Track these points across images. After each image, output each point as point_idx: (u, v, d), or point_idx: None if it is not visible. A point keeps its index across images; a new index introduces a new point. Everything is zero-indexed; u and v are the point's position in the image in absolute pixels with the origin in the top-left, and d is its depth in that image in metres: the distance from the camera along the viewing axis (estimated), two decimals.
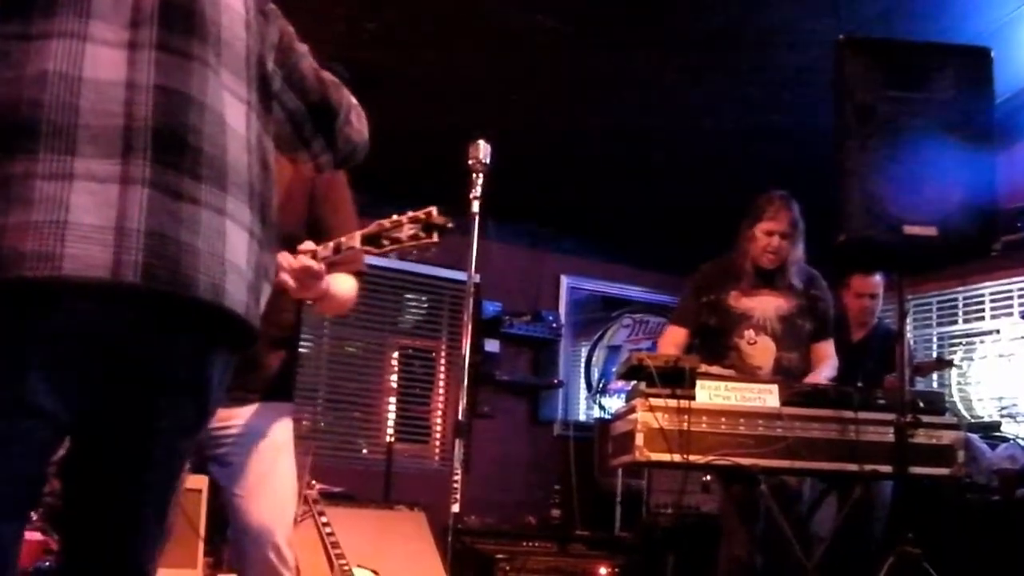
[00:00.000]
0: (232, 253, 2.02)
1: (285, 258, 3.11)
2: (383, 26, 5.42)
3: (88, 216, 1.86)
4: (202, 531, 4.19)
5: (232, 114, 2.09)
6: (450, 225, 3.01)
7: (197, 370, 2.05)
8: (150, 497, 2.05)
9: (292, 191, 3.49)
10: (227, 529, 3.62)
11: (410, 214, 2.97)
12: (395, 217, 2.99)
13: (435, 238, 2.94)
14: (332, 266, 3.36)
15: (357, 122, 2.48)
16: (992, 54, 4.54)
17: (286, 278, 3.14)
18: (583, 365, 9.50)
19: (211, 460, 3.43)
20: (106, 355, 1.93)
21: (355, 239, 3.05)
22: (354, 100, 2.48)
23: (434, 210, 2.96)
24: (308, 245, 3.17)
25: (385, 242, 2.97)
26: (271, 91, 2.27)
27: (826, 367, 5.42)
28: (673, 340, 5.48)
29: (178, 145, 1.96)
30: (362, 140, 2.51)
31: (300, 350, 3.84)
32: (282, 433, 3.48)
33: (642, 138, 7.40)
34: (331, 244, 3.14)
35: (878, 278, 6.56)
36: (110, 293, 1.88)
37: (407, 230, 2.93)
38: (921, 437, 4.59)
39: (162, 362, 1.99)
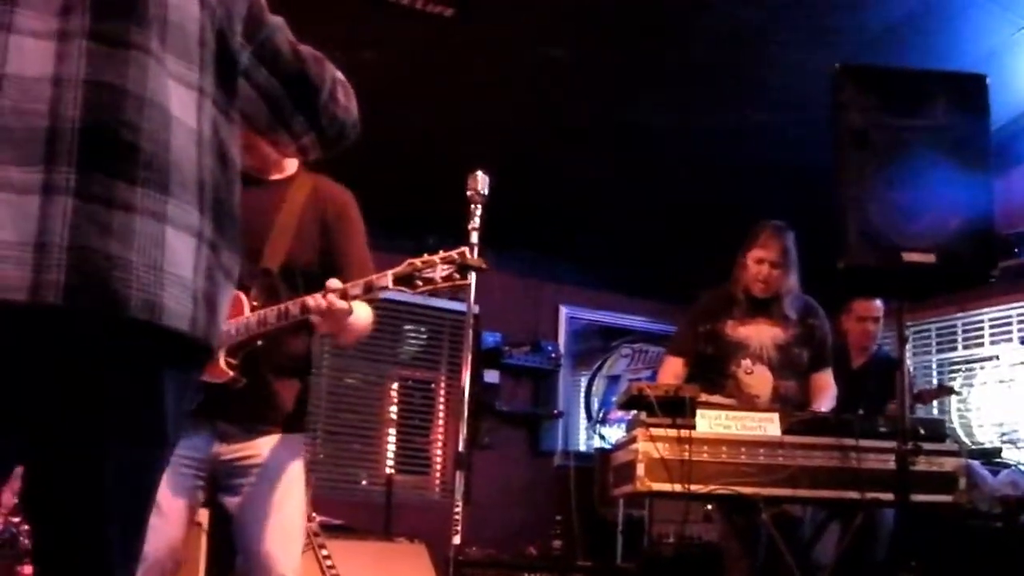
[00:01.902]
0: (173, 263, 1.84)
1: (315, 300, 3.13)
2: (381, 55, 5.43)
3: (4, 231, 1.70)
4: (203, 564, 4.19)
5: (179, 105, 1.90)
6: (484, 266, 3.01)
7: (144, 387, 1.87)
8: (112, 516, 1.87)
9: (304, 221, 3.50)
10: (234, 559, 3.62)
11: (443, 254, 2.96)
12: (427, 257, 2.99)
13: (470, 279, 2.94)
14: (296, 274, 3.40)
15: (344, 99, 2.28)
16: (988, 80, 4.54)
17: (315, 319, 3.16)
18: (583, 395, 9.50)
19: (223, 489, 3.45)
20: (36, 379, 1.78)
21: (386, 279, 3.04)
22: (340, 75, 2.29)
23: (467, 250, 2.96)
24: (335, 283, 3.17)
25: (419, 282, 2.97)
26: (237, 69, 2.09)
27: (826, 398, 5.42)
28: (672, 370, 5.48)
29: (110, 146, 1.79)
30: (350, 118, 2.31)
31: None
32: (294, 466, 3.49)
33: (641, 169, 7.42)
34: (361, 283, 3.13)
35: (879, 302, 6.57)
36: (29, 316, 1.72)
37: (441, 271, 2.93)
38: (922, 464, 4.57)
39: (100, 383, 1.81)
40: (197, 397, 2.11)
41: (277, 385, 3.48)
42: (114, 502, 1.87)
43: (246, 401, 3.38)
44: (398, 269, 3.02)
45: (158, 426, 1.91)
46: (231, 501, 3.43)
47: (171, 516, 3.30)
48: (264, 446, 3.43)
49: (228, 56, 2.05)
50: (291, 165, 3.62)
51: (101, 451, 1.84)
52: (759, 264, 5.35)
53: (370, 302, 3.41)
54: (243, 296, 3.34)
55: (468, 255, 2.93)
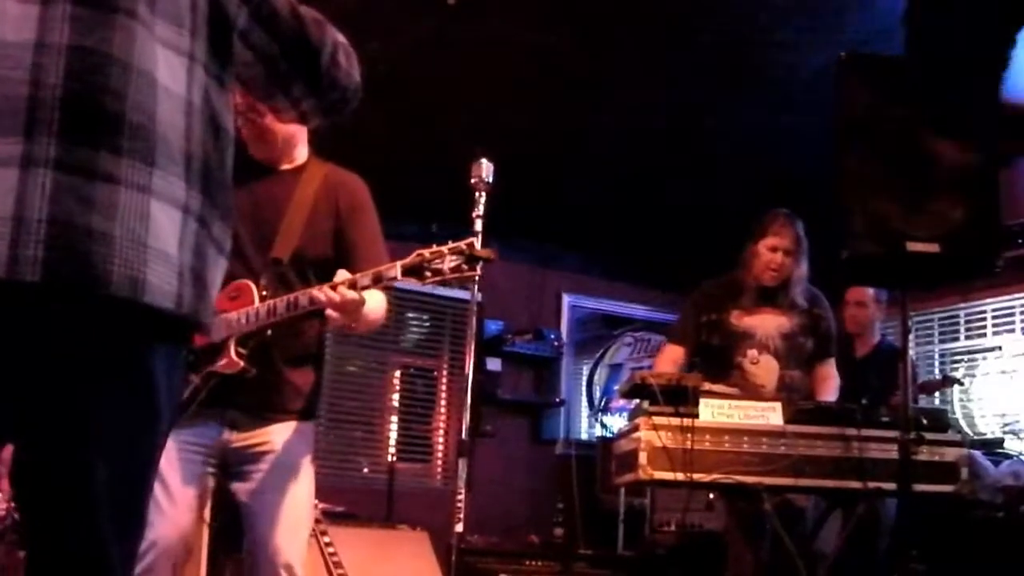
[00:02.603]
0: (157, 238, 1.77)
1: (325, 292, 3.13)
2: (386, 44, 5.42)
3: None
4: (204, 554, 4.20)
5: (167, 72, 1.83)
6: (492, 256, 3.01)
7: (130, 365, 1.81)
8: (103, 498, 1.78)
9: (316, 211, 3.50)
10: (236, 550, 3.64)
11: (451, 245, 2.96)
12: (436, 247, 2.98)
13: (478, 270, 2.94)
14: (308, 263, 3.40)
15: (345, 63, 2.19)
16: None
17: (329, 312, 3.16)
18: (585, 383, 9.50)
19: (234, 476, 3.47)
20: (16, 357, 1.72)
21: (395, 269, 3.04)
22: (342, 38, 2.20)
23: (475, 241, 2.95)
24: (345, 275, 3.18)
25: (428, 273, 2.96)
26: (232, 33, 2.01)
27: (828, 389, 5.42)
28: (671, 358, 5.48)
29: (94, 115, 1.72)
30: (352, 83, 2.21)
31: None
32: (305, 454, 3.51)
33: (645, 158, 7.41)
34: (370, 273, 3.13)
35: (870, 289, 6.59)
36: (7, 293, 1.67)
37: (449, 261, 2.92)
38: (924, 454, 4.57)
39: (82, 361, 1.75)
40: (205, 382, 2.07)
41: (290, 374, 3.49)
42: (105, 483, 1.80)
43: (257, 390, 3.39)
44: (407, 260, 3.02)
45: (149, 403, 1.85)
46: (241, 488, 3.44)
47: (181, 502, 3.32)
48: (275, 434, 3.45)
49: (222, 19, 1.98)
50: (302, 154, 3.63)
51: (88, 431, 1.77)
52: (773, 252, 5.34)
53: (384, 290, 3.42)
54: (253, 285, 3.34)
55: (476, 246, 2.92)
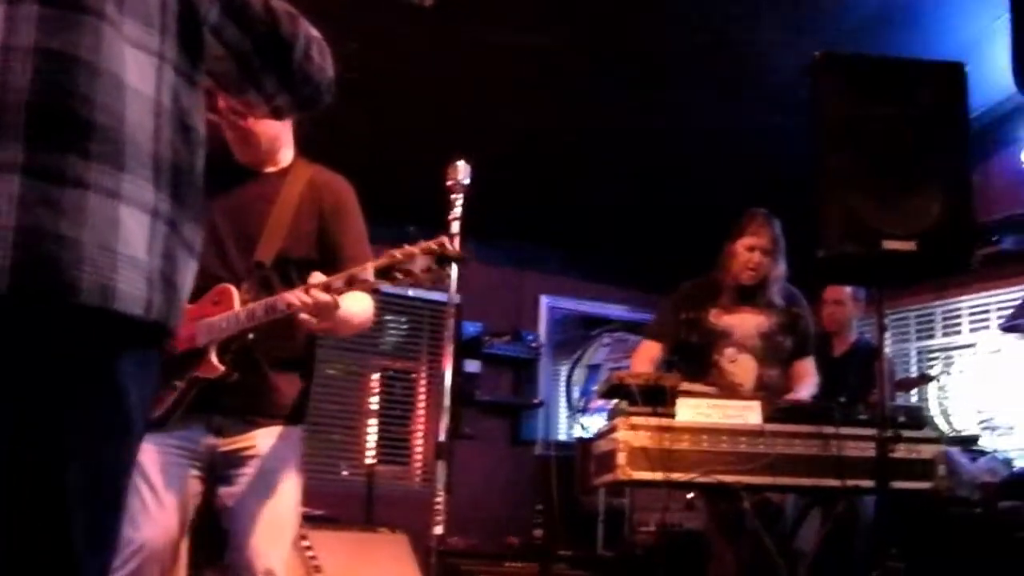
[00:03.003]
0: (127, 243, 1.71)
1: (298, 295, 3.11)
2: (363, 46, 5.42)
3: None
4: (184, 559, 4.19)
5: (135, 73, 1.77)
6: (464, 257, 3.00)
7: (99, 374, 1.74)
8: (75, 507, 1.71)
9: (300, 213, 3.49)
10: (219, 554, 3.62)
11: (423, 245, 2.93)
12: (407, 248, 2.96)
13: (450, 270, 2.92)
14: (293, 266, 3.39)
15: (319, 57, 2.14)
16: (966, 69, 4.56)
17: (303, 316, 3.14)
18: (563, 384, 9.50)
19: (220, 480, 3.45)
20: None
21: (368, 271, 3.01)
22: (315, 32, 2.15)
23: (447, 241, 2.93)
24: (318, 277, 3.15)
25: (398, 275, 2.93)
26: (203, 30, 1.95)
27: (807, 385, 5.43)
28: (648, 355, 5.49)
29: (62, 119, 1.67)
30: (325, 79, 2.17)
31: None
32: (290, 459, 3.50)
33: (622, 155, 7.42)
34: (344, 275, 3.10)
35: (847, 288, 6.61)
36: None
37: (420, 262, 2.90)
38: (902, 452, 4.59)
39: (50, 371, 1.69)
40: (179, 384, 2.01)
41: (276, 378, 3.48)
42: (77, 492, 1.73)
43: (242, 394, 3.38)
44: (379, 261, 3.00)
45: (118, 409, 1.78)
46: (226, 492, 3.43)
47: (168, 506, 3.31)
48: (261, 438, 3.44)
49: (192, 16, 1.93)
50: (287, 157, 3.61)
51: (58, 440, 1.71)
52: (751, 252, 5.35)
53: (371, 292, 3.41)
54: (234, 289, 3.33)
55: (448, 246, 2.91)
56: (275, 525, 3.41)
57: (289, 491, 3.48)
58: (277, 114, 2.26)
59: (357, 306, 3.37)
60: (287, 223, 3.46)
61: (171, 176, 1.82)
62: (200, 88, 1.95)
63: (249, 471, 3.41)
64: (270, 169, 3.57)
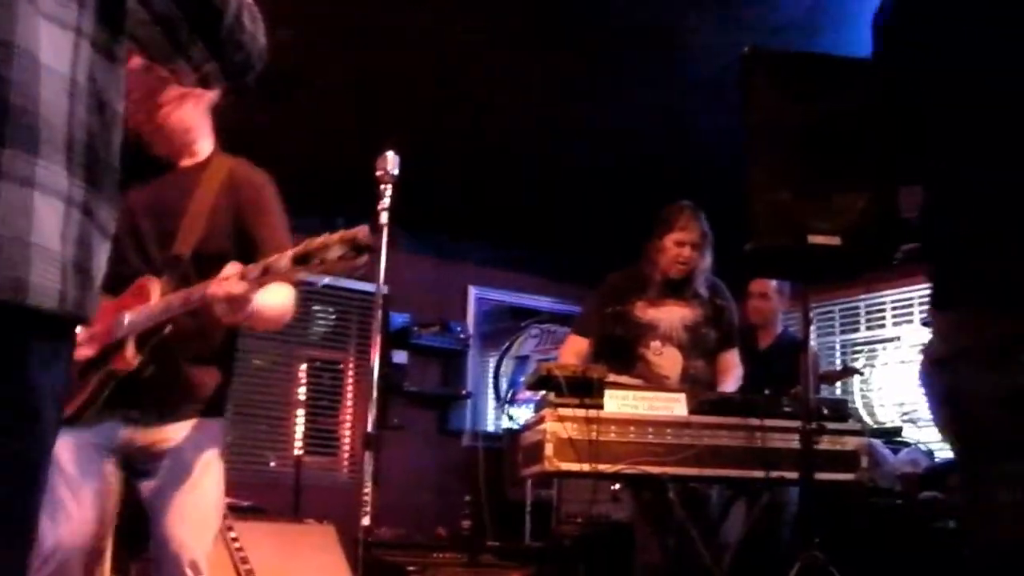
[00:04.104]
0: (40, 233, 1.61)
1: (211, 286, 3.08)
2: (295, 34, 5.39)
3: None
4: (108, 553, 4.15)
5: (51, 50, 1.66)
6: (373, 246, 2.97)
7: (6, 367, 1.63)
8: None
9: (217, 207, 3.46)
10: (143, 547, 3.60)
11: (341, 234, 2.91)
12: (326, 235, 2.94)
13: (364, 259, 2.91)
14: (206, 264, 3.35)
15: (251, 24, 2.02)
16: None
17: (218, 308, 3.11)
18: (491, 375, 9.51)
19: (138, 475, 3.42)
20: None
21: (285, 259, 2.98)
22: None
23: (364, 230, 2.91)
24: (232, 268, 3.10)
25: (315, 261, 2.91)
26: None
27: (731, 378, 5.48)
28: (575, 349, 5.51)
29: None
30: (257, 47, 2.05)
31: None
32: (210, 451, 3.46)
33: (549, 148, 7.43)
34: (260, 265, 3.07)
35: (772, 281, 6.67)
36: None
37: (336, 250, 2.88)
38: (826, 443, 4.64)
39: None
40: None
41: (193, 371, 3.45)
42: None
43: (159, 388, 3.35)
44: (296, 249, 2.98)
45: (26, 405, 1.68)
46: (146, 486, 3.40)
47: (85, 502, 3.27)
48: (179, 431, 3.40)
49: None
50: (205, 149, 3.57)
51: None
52: (680, 247, 5.38)
53: (292, 284, 3.38)
54: (155, 282, 3.30)
55: (362, 235, 2.89)
56: (198, 517, 3.39)
57: (211, 483, 3.45)
58: (205, 83, 2.11)
59: (275, 298, 3.34)
60: (204, 217, 3.42)
61: (85, 159, 1.72)
62: (120, 62, 1.84)
63: (167, 464, 3.38)
64: (187, 162, 3.53)
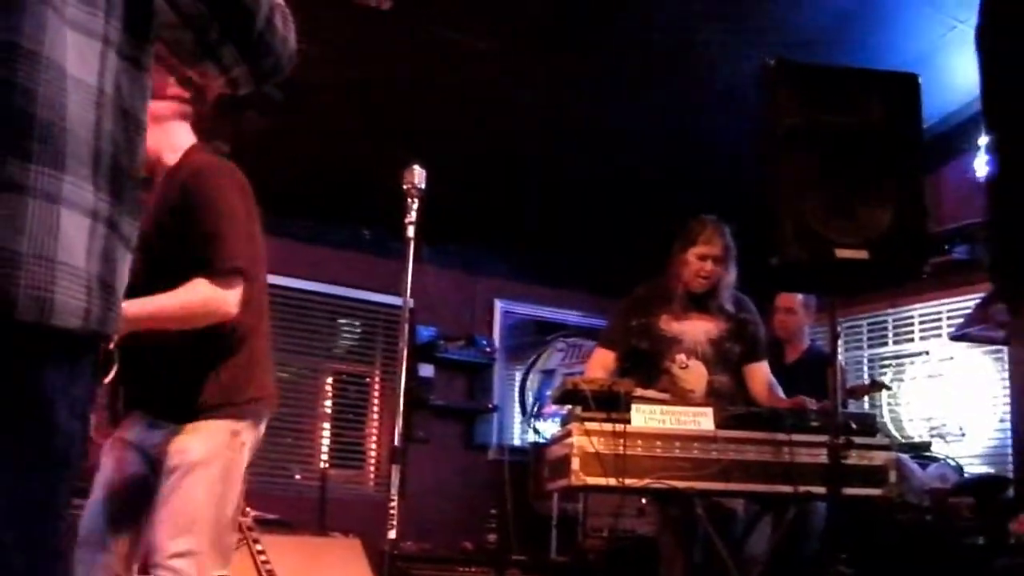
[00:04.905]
0: (66, 251, 1.55)
1: None
2: (319, 48, 5.40)
3: None
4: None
5: (78, 60, 1.60)
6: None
7: (25, 386, 1.56)
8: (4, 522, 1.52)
9: (160, 211, 3.41)
10: None
11: None
12: None
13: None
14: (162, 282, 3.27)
15: (282, 27, 1.96)
16: (920, 80, 4.59)
17: None
18: (518, 389, 9.51)
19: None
20: None
21: None
22: None
23: None
24: None
25: None
26: (152, 4, 1.76)
27: (768, 390, 5.44)
28: (601, 363, 5.50)
29: (2, 116, 1.50)
30: (288, 49, 1.99)
31: (270, 364, 3.74)
32: (195, 452, 3.38)
33: (576, 162, 7.44)
34: None
35: (799, 295, 6.65)
36: None
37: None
38: (853, 458, 4.61)
39: None
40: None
41: (160, 375, 3.45)
42: (9, 528, 1.53)
43: (144, 397, 3.37)
44: None
45: (46, 433, 1.59)
46: None
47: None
48: (159, 437, 3.42)
49: None
50: (172, 160, 3.52)
51: None
52: (702, 260, 5.36)
53: (220, 273, 3.33)
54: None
55: None
56: (175, 521, 3.33)
57: (193, 485, 3.37)
58: (233, 86, 2.04)
59: (170, 300, 3.28)
60: (152, 225, 3.39)
61: (111, 172, 1.67)
62: (146, 71, 1.78)
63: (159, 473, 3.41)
64: (159, 178, 3.51)
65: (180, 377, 3.46)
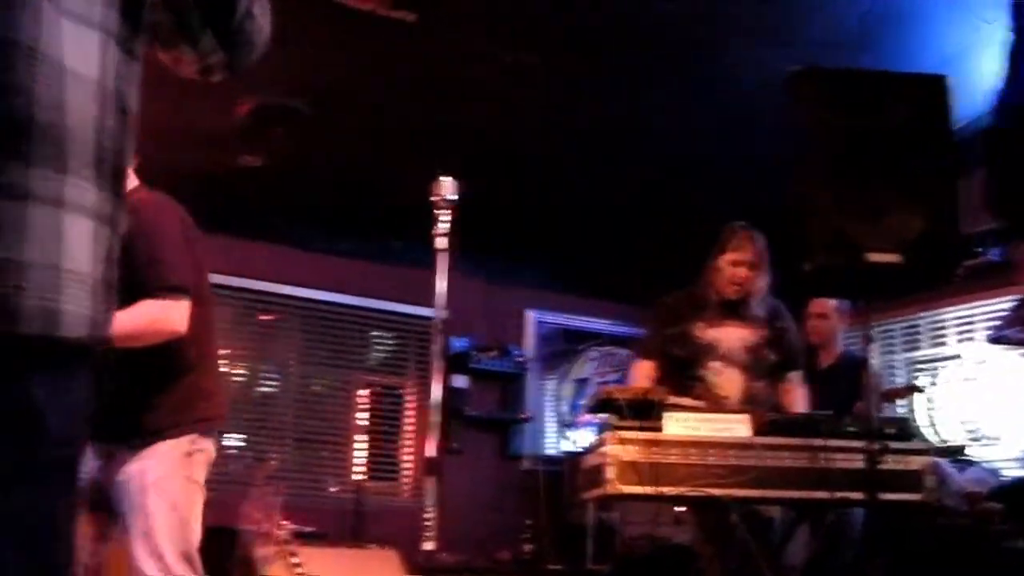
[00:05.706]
0: (71, 258, 1.50)
1: None
2: (346, 61, 5.43)
3: None
4: None
5: (77, 54, 1.52)
6: None
7: (17, 395, 1.46)
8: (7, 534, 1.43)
9: None
10: None
11: None
12: None
13: None
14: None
15: (261, 16, 1.89)
16: (949, 82, 4.57)
17: None
18: (551, 399, 9.51)
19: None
20: None
21: None
22: None
23: None
24: None
25: None
26: None
27: (797, 403, 5.43)
28: (643, 373, 5.49)
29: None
30: (262, 38, 1.92)
31: (220, 382, 3.91)
32: (152, 472, 3.51)
33: (607, 173, 7.43)
34: None
35: (831, 301, 6.63)
36: None
37: None
38: (890, 463, 4.59)
39: None
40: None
41: (119, 402, 3.49)
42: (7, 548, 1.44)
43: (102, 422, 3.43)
44: None
45: (34, 441, 1.50)
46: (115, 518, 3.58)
47: None
48: (121, 463, 3.54)
49: None
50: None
51: None
52: (736, 267, 5.36)
53: (167, 291, 3.46)
54: None
55: None
56: (143, 542, 3.46)
57: (154, 504, 3.50)
58: (208, 73, 1.94)
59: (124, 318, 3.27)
60: None
61: (112, 169, 1.61)
62: (137, 60, 1.71)
63: (118, 496, 3.53)
64: None
65: (131, 401, 3.54)
